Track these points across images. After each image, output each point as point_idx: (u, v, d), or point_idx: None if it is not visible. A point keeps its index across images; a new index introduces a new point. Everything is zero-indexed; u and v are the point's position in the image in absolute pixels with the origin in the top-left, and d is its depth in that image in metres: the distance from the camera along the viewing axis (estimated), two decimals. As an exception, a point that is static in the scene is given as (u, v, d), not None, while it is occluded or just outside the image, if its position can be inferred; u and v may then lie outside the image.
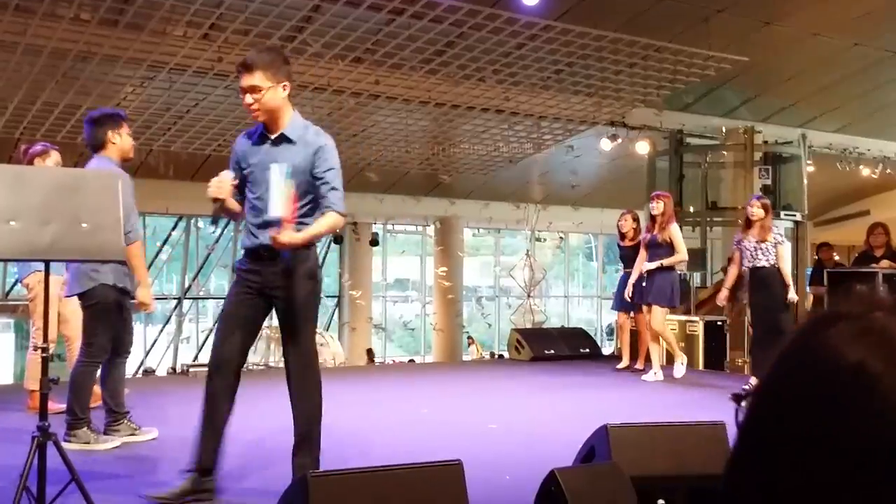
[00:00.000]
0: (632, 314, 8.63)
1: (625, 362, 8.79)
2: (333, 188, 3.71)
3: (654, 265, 7.76)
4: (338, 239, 17.64)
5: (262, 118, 3.75)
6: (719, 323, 9.50)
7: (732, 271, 7.65)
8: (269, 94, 3.66)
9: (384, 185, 15.75)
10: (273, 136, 3.79)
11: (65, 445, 4.02)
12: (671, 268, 7.81)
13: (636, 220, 8.76)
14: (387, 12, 8.41)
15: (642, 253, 7.98)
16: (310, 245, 3.76)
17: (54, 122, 10.71)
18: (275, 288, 3.71)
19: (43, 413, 3.15)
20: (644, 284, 7.82)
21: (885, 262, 8.25)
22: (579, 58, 9.60)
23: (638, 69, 10.13)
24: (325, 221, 3.66)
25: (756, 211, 7.34)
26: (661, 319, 7.82)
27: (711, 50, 9.81)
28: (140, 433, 4.96)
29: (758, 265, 7.25)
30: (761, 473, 0.64)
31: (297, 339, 3.82)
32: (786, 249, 7.37)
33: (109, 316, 4.68)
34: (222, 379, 3.78)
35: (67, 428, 4.65)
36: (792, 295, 7.25)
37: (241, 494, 3.97)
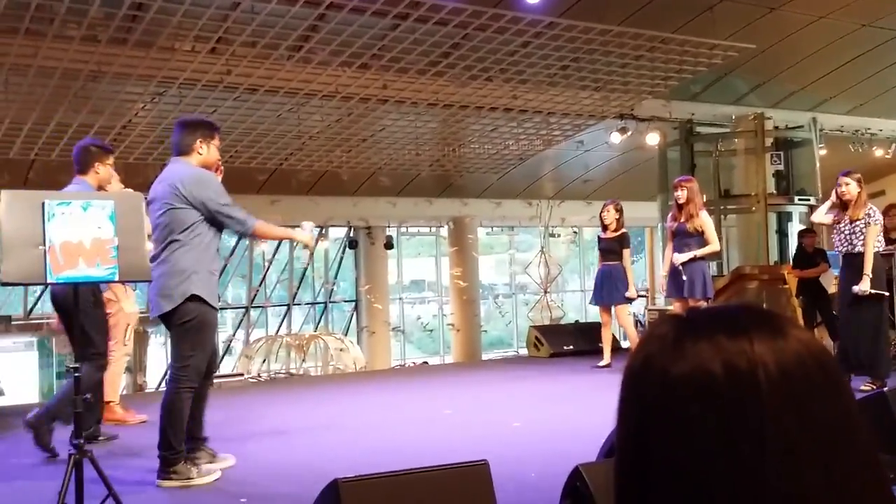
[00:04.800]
0: (613, 308, 8.55)
1: (606, 360, 8.56)
2: None
3: (685, 257, 7.31)
4: (352, 244, 17.72)
5: None
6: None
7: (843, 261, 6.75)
8: None
9: (396, 188, 15.82)
10: None
11: (162, 483, 4.10)
12: (702, 258, 7.41)
13: (619, 210, 8.61)
14: (391, 17, 8.46)
15: (669, 244, 7.69)
16: None
17: (69, 141, 10.82)
18: None
19: (78, 431, 3.22)
20: (683, 278, 7.34)
21: None
22: (585, 53, 9.62)
23: (645, 61, 10.14)
24: None
25: (847, 188, 6.47)
26: None
27: (718, 38, 9.81)
28: (218, 460, 4.59)
29: (854, 251, 6.46)
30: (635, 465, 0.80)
31: None
32: (875, 231, 6.51)
33: (205, 333, 4.37)
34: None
35: (163, 465, 4.21)
36: (863, 285, 6.41)
37: (270, 500, 4.03)
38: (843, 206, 6.60)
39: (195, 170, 4.40)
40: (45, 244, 3.29)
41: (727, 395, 0.73)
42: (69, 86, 9.08)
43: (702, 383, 0.74)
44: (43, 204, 3.34)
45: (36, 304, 16.05)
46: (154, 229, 4.36)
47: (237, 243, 16.72)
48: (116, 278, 3.50)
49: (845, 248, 6.59)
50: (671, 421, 0.75)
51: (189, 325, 4.23)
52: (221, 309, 18.12)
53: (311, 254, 4.97)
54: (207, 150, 4.52)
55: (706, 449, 0.73)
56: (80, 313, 4.38)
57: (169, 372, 4.38)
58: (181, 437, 4.24)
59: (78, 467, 3.15)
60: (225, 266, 17.48)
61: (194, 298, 4.21)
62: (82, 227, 3.38)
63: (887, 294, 6.70)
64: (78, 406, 3.20)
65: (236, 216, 4.33)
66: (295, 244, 18.26)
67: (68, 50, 8.15)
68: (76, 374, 3.69)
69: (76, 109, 9.75)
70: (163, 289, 4.23)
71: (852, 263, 6.53)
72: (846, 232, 6.57)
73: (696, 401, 0.74)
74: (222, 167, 4.77)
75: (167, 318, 4.28)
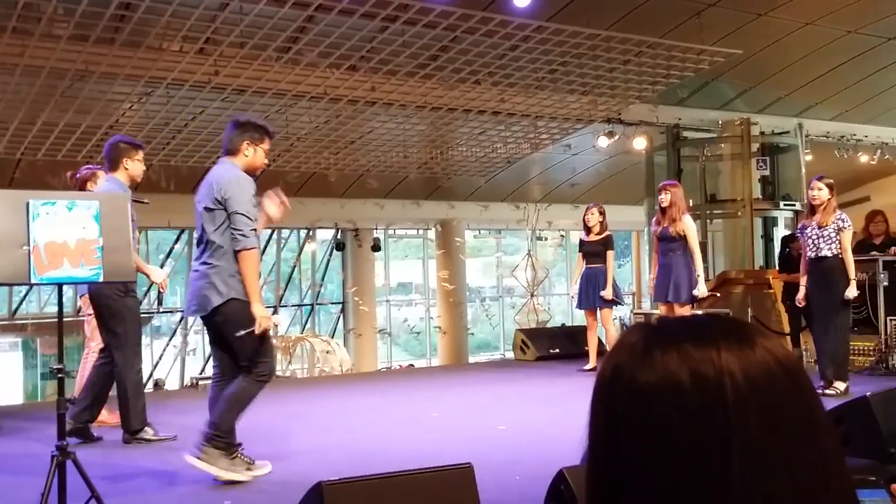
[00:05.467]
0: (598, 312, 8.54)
1: (591, 363, 8.60)
2: None
3: (703, 292, 7.43)
4: (340, 246, 17.70)
5: None
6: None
7: (803, 265, 6.88)
8: None
9: (384, 190, 15.82)
10: None
11: (192, 461, 4.09)
12: (688, 263, 7.46)
13: (602, 213, 8.61)
14: (380, 20, 8.47)
15: (656, 248, 7.75)
16: None
17: (55, 141, 10.78)
18: None
19: (61, 432, 3.21)
20: (671, 281, 7.41)
21: (893, 249, 8.24)
22: (573, 57, 9.66)
23: (632, 66, 10.18)
24: None
25: (818, 193, 6.55)
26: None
27: (705, 44, 9.86)
28: (255, 468, 4.40)
29: (820, 255, 6.54)
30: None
31: None
32: (849, 237, 6.61)
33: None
34: None
35: (203, 441, 4.16)
36: (851, 291, 6.52)
37: (254, 503, 4.03)
38: (811, 210, 6.66)
39: (235, 172, 4.35)
40: (29, 244, 3.28)
41: (694, 402, 0.75)
42: (56, 85, 9.04)
43: (669, 391, 0.76)
44: (27, 204, 3.32)
45: (21, 304, 15.96)
46: (197, 229, 4.40)
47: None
48: (101, 279, 3.48)
49: (812, 253, 6.63)
50: (640, 428, 0.76)
51: (236, 323, 4.20)
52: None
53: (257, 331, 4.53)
54: (254, 154, 4.46)
55: (675, 455, 0.75)
56: (100, 309, 4.56)
57: (240, 369, 4.28)
58: (231, 425, 4.24)
59: (61, 468, 3.14)
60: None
61: (237, 299, 4.20)
62: (67, 228, 3.36)
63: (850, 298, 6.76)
64: (61, 407, 3.19)
65: (241, 228, 4.19)
66: (283, 245, 18.25)
67: (55, 49, 8.11)
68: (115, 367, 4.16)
69: (63, 109, 9.70)
70: (203, 289, 4.22)
71: (818, 268, 6.58)
72: (814, 237, 6.61)
73: (664, 408, 0.75)
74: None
75: (208, 318, 4.27)
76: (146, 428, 5.31)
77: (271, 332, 4.41)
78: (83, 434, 5.24)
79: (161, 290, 5.63)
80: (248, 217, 4.19)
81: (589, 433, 0.83)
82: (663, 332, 0.81)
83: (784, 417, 0.75)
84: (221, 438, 4.20)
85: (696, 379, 0.75)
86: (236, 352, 4.29)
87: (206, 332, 4.56)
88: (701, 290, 7.43)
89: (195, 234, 4.43)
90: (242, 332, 4.17)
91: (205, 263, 4.27)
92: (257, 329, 4.17)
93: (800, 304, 6.96)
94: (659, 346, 0.79)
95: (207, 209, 4.26)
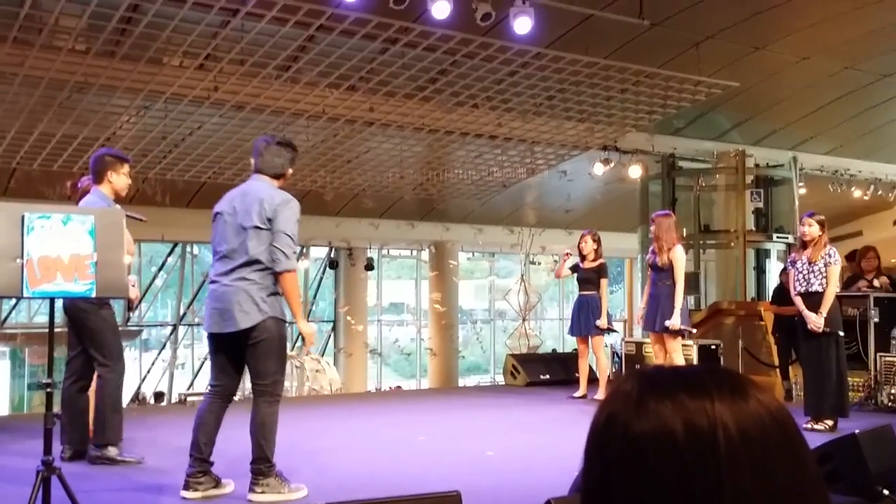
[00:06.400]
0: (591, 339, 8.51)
1: (582, 390, 8.56)
2: None
3: (675, 322, 7.36)
4: (333, 264, 17.69)
5: None
6: (713, 346, 9.52)
7: (797, 300, 6.74)
8: None
9: (379, 210, 15.85)
10: None
11: (255, 497, 4.14)
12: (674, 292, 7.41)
13: (597, 241, 8.57)
14: (381, 41, 8.52)
15: (649, 277, 7.76)
16: None
17: (51, 151, 10.78)
18: None
19: (47, 447, 3.18)
20: (659, 311, 7.43)
21: (883, 279, 8.26)
22: (571, 84, 9.72)
23: (629, 95, 10.25)
24: None
25: (808, 230, 6.61)
26: (677, 346, 7.54)
27: (702, 75, 9.94)
28: (222, 486, 4.39)
29: (811, 290, 6.56)
30: None
31: None
32: (837, 272, 6.63)
33: (283, 349, 4.41)
34: None
35: (257, 477, 4.21)
36: (816, 320, 6.48)
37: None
38: (803, 245, 6.73)
39: (284, 194, 4.39)
40: (22, 257, 3.27)
41: (687, 453, 0.76)
42: (55, 96, 9.05)
43: (663, 441, 0.77)
44: (23, 217, 3.32)
45: (9, 314, 15.88)
46: (227, 243, 4.33)
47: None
48: (94, 294, 3.47)
49: (802, 288, 6.67)
50: (633, 476, 0.77)
51: (268, 341, 4.25)
52: (199, 325, 18.01)
53: (307, 346, 4.79)
54: (290, 176, 4.62)
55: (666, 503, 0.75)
56: (77, 324, 4.51)
57: (256, 389, 4.31)
58: (273, 450, 4.27)
59: (46, 484, 3.12)
60: (203, 282, 17.39)
61: (272, 318, 4.24)
62: (61, 242, 3.35)
63: (841, 334, 6.73)
64: (48, 422, 3.17)
65: (286, 249, 4.25)
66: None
67: (56, 60, 8.13)
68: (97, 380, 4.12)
69: (60, 120, 9.71)
70: (241, 305, 4.21)
71: (809, 303, 6.61)
72: (804, 272, 6.66)
73: (657, 458, 0.76)
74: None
75: (242, 336, 4.23)
76: (110, 447, 5.10)
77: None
78: (83, 455, 5.17)
79: (132, 305, 5.56)
80: (293, 238, 4.28)
81: (583, 477, 0.84)
82: (657, 381, 0.82)
83: (776, 469, 0.76)
84: (272, 466, 4.26)
85: (689, 429, 0.76)
86: (260, 370, 4.26)
87: (194, 345, 4.54)
88: (673, 321, 7.35)
89: (219, 247, 4.36)
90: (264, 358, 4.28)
91: (243, 279, 4.23)
92: (308, 344, 4.40)
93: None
94: (653, 396, 0.80)
95: (256, 227, 4.25)
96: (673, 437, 0.76)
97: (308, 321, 4.56)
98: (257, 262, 4.24)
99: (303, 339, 4.43)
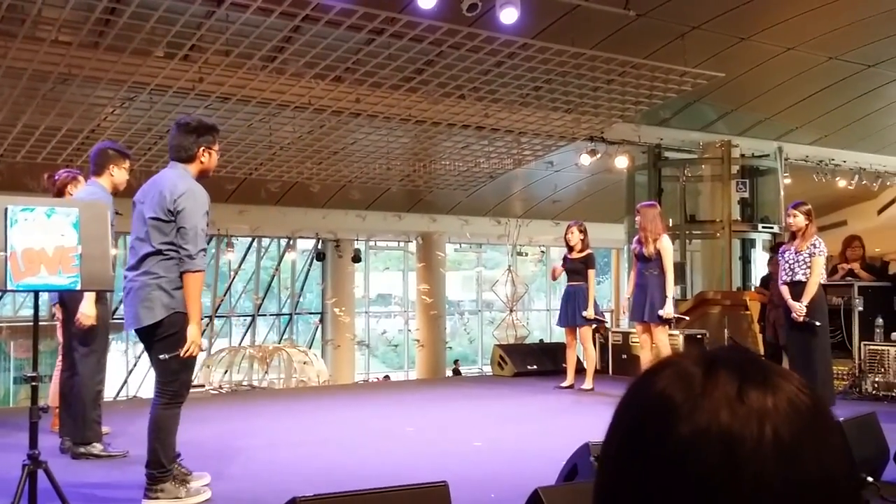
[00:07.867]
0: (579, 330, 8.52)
1: (569, 380, 8.60)
2: None
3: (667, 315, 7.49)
4: (320, 256, 17.66)
5: None
6: (699, 336, 9.58)
7: (784, 289, 6.80)
8: None
9: (366, 201, 15.83)
10: None
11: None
12: (663, 283, 7.55)
13: (583, 231, 8.60)
14: (366, 32, 8.48)
15: (634, 267, 7.85)
16: None
17: (35, 143, 10.70)
18: None
19: (33, 441, 3.17)
20: (647, 301, 7.53)
21: (863, 274, 8.32)
22: (558, 75, 9.72)
23: (616, 85, 10.26)
24: None
25: (793, 220, 6.65)
26: (664, 336, 7.62)
27: (688, 66, 9.96)
28: (193, 478, 4.34)
29: (795, 279, 6.61)
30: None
31: None
32: (821, 262, 6.65)
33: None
34: None
35: (151, 483, 4.00)
36: (797, 308, 6.52)
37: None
38: (791, 236, 6.77)
39: (190, 183, 4.13)
40: (6, 250, 3.24)
41: (740, 451, 0.69)
42: (38, 87, 8.98)
43: (714, 438, 0.70)
44: (6, 209, 3.29)
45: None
46: (136, 233, 4.12)
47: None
48: (78, 287, 3.45)
49: (788, 277, 6.71)
50: (678, 473, 0.70)
51: (174, 338, 3.98)
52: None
53: (188, 349, 4.25)
54: (209, 159, 4.29)
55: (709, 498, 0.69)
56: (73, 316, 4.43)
57: (156, 388, 4.05)
58: (171, 454, 4.06)
59: (32, 478, 3.10)
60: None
61: (178, 313, 3.99)
62: (45, 235, 3.33)
63: (819, 325, 6.71)
64: (34, 416, 3.15)
65: (189, 247, 3.98)
66: (263, 254, 18.18)
67: (39, 51, 8.06)
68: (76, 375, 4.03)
69: (44, 111, 9.64)
70: (144, 301, 3.99)
71: (794, 292, 6.65)
72: (790, 261, 6.71)
73: (706, 453, 0.69)
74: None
75: (148, 332, 4.02)
76: (95, 443, 5.06)
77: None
78: (84, 445, 5.13)
79: None
80: (198, 234, 4.01)
81: (606, 455, 0.77)
82: (728, 366, 0.74)
83: (812, 465, 0.71)
84: (167, 472, 4.02)
85: (741, 427, 0.70)
86: (162, 369, 4.03)
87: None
88: (667, 310, 7.47)
89: (130, 239, 4.12)
90: (167, 356, 3.97)
91: (147, 273, 4.00)
92: (184, 352, 3.95)
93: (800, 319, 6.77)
94: (714, 381, 0.72)
95: (156, 219, 4.02)
96: (729, 433, 0.69)
97: (200, 328, 4.06)
98: (160, 253, 4.00)
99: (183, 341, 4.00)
